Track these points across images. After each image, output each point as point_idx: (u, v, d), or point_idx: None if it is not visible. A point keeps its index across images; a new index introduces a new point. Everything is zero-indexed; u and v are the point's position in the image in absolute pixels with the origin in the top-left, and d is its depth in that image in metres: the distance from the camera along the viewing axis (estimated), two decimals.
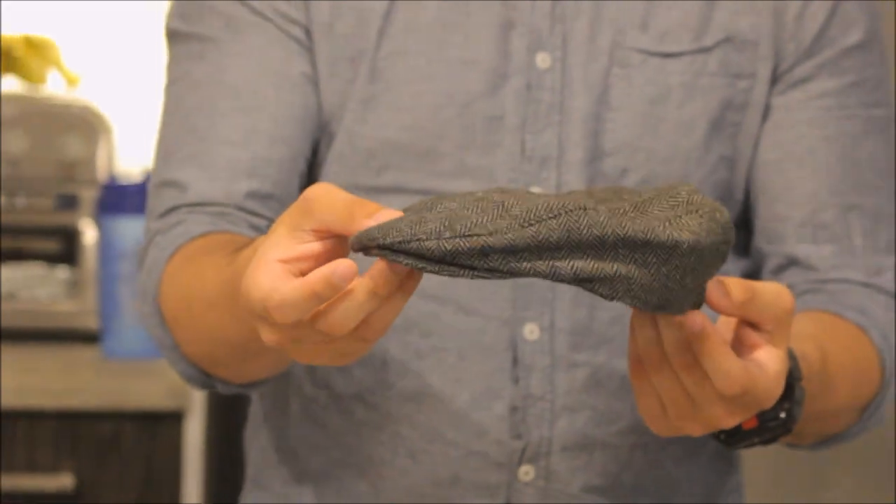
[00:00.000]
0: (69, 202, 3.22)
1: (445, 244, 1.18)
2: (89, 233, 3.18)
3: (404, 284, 1.21)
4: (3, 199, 3.22)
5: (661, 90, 1.73)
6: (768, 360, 1.29)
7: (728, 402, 1.30)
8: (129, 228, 3.00)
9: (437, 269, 1.18)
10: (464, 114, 1.68)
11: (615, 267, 1.21)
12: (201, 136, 1.70)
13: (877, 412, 1.70)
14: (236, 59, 1.71)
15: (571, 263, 1.20)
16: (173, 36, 1.76)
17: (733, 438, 1.46)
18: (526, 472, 1.69)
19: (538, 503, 1.70)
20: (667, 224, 1.22)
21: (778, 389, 1.31)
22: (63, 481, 2.83)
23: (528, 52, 1.71)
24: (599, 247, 1.21)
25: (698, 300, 1.26)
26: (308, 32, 1.71)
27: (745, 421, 1.42)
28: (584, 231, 1.20)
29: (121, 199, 3.02)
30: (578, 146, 1.71)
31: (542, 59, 1.71)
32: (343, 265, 1.16)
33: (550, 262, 1.20)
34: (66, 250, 3.22)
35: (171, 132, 1.74)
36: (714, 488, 1.79)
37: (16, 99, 3.27)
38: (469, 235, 1.18)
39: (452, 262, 1.19)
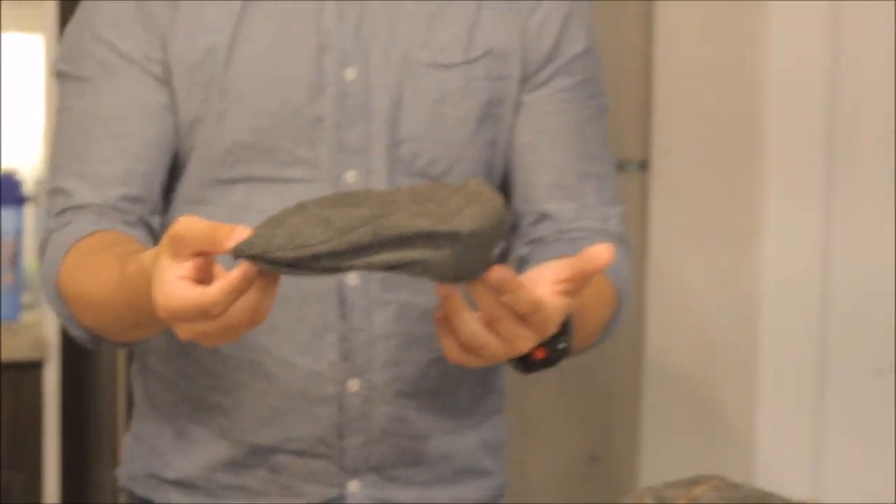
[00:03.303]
0: None
1: (289, 254, 1.29)
2: None
3: (275, 277, 1.32)
4: None
5: (442, 93, 1.75)
6: (558, 299, 1.39)
7: (527, 326, 1.39)
8: None
9: (286, 271, 1.30)
10: (293, 118, 1.71)
11: (414, 254, 1.30)
12: (82, 156, 1.73)
13: (613, 327, 1.78)
14: (107, 96, 1.73)
15: (381, 258, 1.30)
16: (60, 75, 1.78)
17: (529, 368, 1.55)
18: (353, 384, 1.73)
19: (362, 408, 1.74)
20: (455, 215, 1.30)
21: (560, 317, 1.40)
22: None
23: (338, 68, 1.73)
24: (400, 241, 1.30)
25: (488, 267, 1.35)
26: (166, 66, 1.72)
27: (536, 352, 1.53)
28: (387, 232, 1.29)
29: None
30: (381, 137, 1.73)
31: (350, 73, 1.73)
32: (240, 269, 1.30)
33: (365, 259, 1.30)
34: None
35: (59, 150, 1.76)
36: (487, 386, 1.84)
37: None
38: (305, 246, 1.29)
39: (296, 265, 1.29)
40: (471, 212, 1.30)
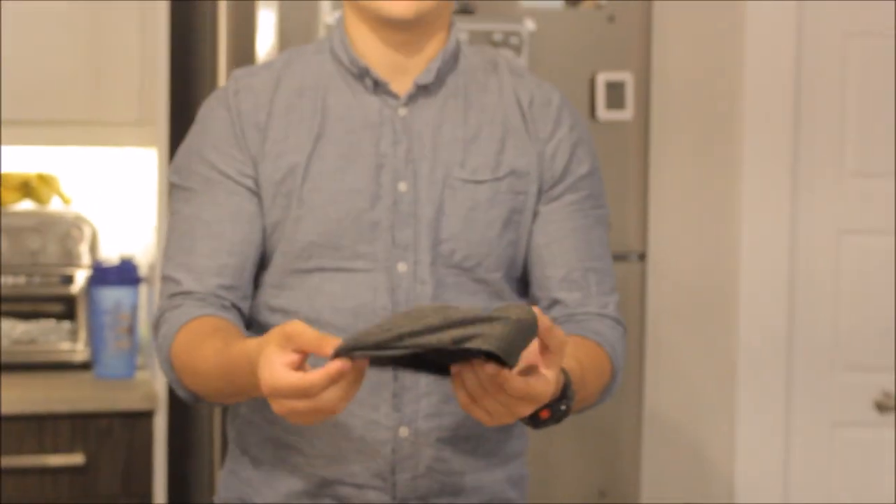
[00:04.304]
0: (69, 279, 3.11)
1: (378, 337, 1.39)
2: (82, 299, 3.09)
3: (360, 371, 1.43)
4: (24, 279, 3.08)
5: (474, 203, 1.79)
6: (547, 372, 1.48)
7: (520, 401, 1.48)
8: (109, 295, 3.00)
9: (377, 354, 1.40)
10: (355, 222, 1.75)
11: (474, 329, 1.39)
12: (187, 252, 1.77)
13: (609, 393, 1.82)
14: (208, 204, 1.78)
15: (449, 334, 1.39)
16: (172, 186, 1.83)
17: (537, 424, 1.60)
18: (403, 431, 1.76)
19: (411, 450, 1.76)
20: (504, 311, 1.41)
21: (551, 389, 1.49)
22: (77, 458, 2.83)
23: (392, 182, 1.77)
24: (464, 322, 1.40)
25: (517, 361, 1.44)
26: (256, 181, 1.76)
27: (542, 413, 1.58)
28: (453, 316, 1.40)
29: (103, 276, 3.01)
30: (426, 237, 1.77)
31: (402, 186, 1.77)
32: (339, 362, 1.40)
33: (437, 336, 1.40)
34: (68, 311, 3.11)
35: (170, 245, 1.81)
36: (509, 433, 1.85)
37: (32, 214, 3.16)
38: (390, 330, 1.39)
39: (384, 346, 1.39)
40: (514, 310, 1.42)
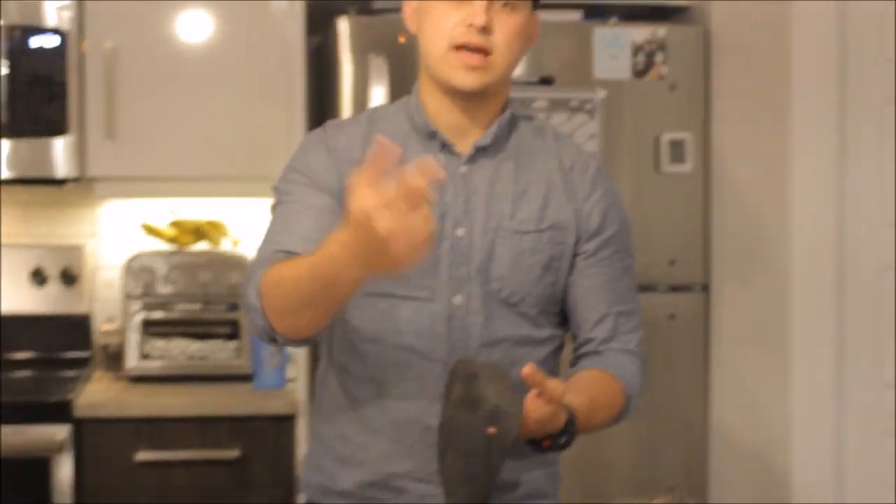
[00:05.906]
0: (234, 306, 3.32)
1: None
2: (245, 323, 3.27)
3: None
4: (199, 305, 3.31)
5: (520, 249, 1.87)
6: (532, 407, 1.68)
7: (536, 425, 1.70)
8: None
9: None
10: (423, 259, 1.65)
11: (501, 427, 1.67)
12: (289, 228, 1.80)
13: (624, 415, 1.92)
14: (311, 197, 1.82)
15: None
16: (277, 190, 1.89)
17: (541, 450, 1.75)
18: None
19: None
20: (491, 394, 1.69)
21: (552, 422, 1.69)
22: (234, 452, 3.03)
23: (452, 228, 1.85)
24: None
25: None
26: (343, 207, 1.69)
27: (544, 442, 1.73)
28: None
29: None
30: (478, 276, 1.86)
31: (460, 231, 1.85)
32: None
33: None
34: (234, 332, 3.31)
35: (270, 231, 1.83)
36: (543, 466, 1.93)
37: (203, 254, 3.40)
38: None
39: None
40: (497, 396, 1.68)
